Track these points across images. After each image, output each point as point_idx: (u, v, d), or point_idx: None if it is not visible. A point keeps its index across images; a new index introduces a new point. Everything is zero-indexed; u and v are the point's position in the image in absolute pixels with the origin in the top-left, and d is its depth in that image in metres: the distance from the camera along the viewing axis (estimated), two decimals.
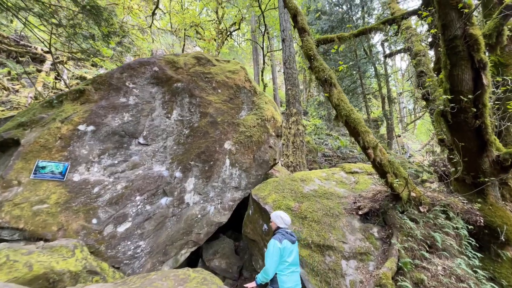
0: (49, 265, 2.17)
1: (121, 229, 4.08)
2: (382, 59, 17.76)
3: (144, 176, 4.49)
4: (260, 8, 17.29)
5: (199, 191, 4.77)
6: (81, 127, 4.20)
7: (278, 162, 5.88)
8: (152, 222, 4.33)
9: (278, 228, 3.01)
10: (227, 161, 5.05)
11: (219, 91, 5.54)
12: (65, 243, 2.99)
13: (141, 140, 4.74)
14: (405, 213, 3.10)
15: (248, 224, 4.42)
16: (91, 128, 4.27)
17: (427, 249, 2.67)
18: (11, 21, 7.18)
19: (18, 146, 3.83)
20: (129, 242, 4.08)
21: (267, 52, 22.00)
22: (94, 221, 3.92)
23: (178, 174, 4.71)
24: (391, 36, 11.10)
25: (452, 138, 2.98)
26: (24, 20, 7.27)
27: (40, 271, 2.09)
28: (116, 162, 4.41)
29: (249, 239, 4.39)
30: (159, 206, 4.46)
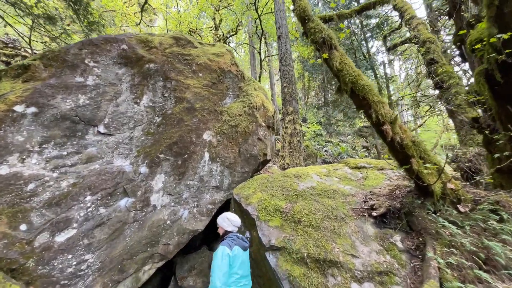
0: None
1: (61, 238, 3.14)
2: (383, 58, 17.23)
3: (100, 171, 3.59)
4: (257, 12, 16.96)
5: (170, 191, 3.86)
6: (18, 108, 3.35)
7: (270, 159, 4.99)
8: (106, 229, 3.39)
9: (226, 232, 2.61)
10: (206, 155, 4.17)
11: (200, 74, 4.74)
12: None
13: (101, 128, 3.89)
14: (438, 213, 2.20)
15: None
16: (32, 109, 3.43)
17: (483, 266, 1.76)
18: None
19: None
20: (70, 256, 3.12)
21: (265, 57, 21.57)
22: (23, 227, 2.98)
23: (143, 169, 3.82)
24: (393, 31, 10.49)
25: (500, 108, 2.13)
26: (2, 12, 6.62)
27: None
28: (65, 153, 3.53)
29: None
30: (116, 209, 3.53)
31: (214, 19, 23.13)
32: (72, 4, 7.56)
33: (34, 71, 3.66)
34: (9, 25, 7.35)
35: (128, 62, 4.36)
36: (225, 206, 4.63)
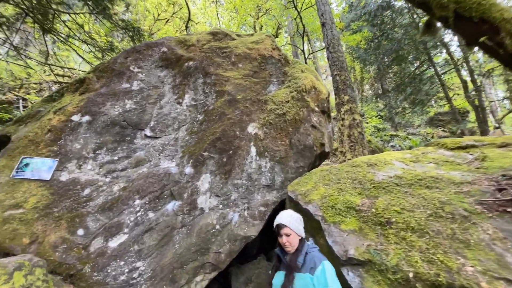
0: None
1: (113, 243, 3.04)
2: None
3: (148, 174, 3.47)
4: (296, 9, 16.32)
5: (217, 192, 3.46)
6: (75, 118, 3.53)
7: (328, 151, 4.16)
8: (155, 234, 3.18)
9: (303, 240, 1.99)
10: (253, 150, 3.66)
11: (240, 65, 4.36)
12: (6, 262, 2.02)
13: (147, 132, 3.84)
14: None
15: None
16: (86, 118, 3.57)
17: None
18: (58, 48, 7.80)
19: (9, 142, 3.33)
20: (122, 263, 2.98)
21: (309, 54, 20.52)
22: (80, 232, 2.99)
23: (188, 169, 3.55)
24: None
25: None
26: (74, 46, 7.82)
27: None
28: (116, 158, 3.56)
29: None
30: (164, 213, 3.31)
31: (254, 27, 23.49)
32: (130, 33, 8.43)
33: (89, 83, 3.87)
34: (86, 61, 8.66)
35: (168, 64, 4.30)
36: (280, 209, 4.00)
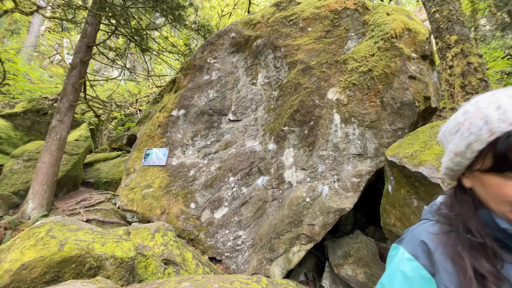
0: (87, 246, 1.73)
1: (218, 215, 3.50)
2: None
3: (236, 154, 3.77)
4: None
5: (302, 165, 3.39)
6: (174, 113, 4.17)
7: (436, 107, 3.31)
8: (250, 207, 3.45)
9: None
10: (336, 117, 3.33)
11: (309, 29, 3.99)
12: (148, 226, 2.66)
13: (230, 116, 4.14)
14: None
15: (390, 210, 2.44)
16: (182, 112, 4.17)
17: None
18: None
19: (136, 139, 4.31)
20: (227, 231, 3.40)
21: None
22: (192, 205, 3.59)
23: (271, 146, 3.61)
24: None
25: None
26: (164, 57, 9.29)
27: (72, 252, 1.66)
28: (209, 143, 4.02)
29: (397, 236, 2.40)
30: (255, 187, 3.53)
31: None
32: (202, 33, 9.25)
33: (179, 82, 4.47)
34: (174, 69, 10.18)
35: (239, 48, 4.42)
36: (378, 180, 3.55)
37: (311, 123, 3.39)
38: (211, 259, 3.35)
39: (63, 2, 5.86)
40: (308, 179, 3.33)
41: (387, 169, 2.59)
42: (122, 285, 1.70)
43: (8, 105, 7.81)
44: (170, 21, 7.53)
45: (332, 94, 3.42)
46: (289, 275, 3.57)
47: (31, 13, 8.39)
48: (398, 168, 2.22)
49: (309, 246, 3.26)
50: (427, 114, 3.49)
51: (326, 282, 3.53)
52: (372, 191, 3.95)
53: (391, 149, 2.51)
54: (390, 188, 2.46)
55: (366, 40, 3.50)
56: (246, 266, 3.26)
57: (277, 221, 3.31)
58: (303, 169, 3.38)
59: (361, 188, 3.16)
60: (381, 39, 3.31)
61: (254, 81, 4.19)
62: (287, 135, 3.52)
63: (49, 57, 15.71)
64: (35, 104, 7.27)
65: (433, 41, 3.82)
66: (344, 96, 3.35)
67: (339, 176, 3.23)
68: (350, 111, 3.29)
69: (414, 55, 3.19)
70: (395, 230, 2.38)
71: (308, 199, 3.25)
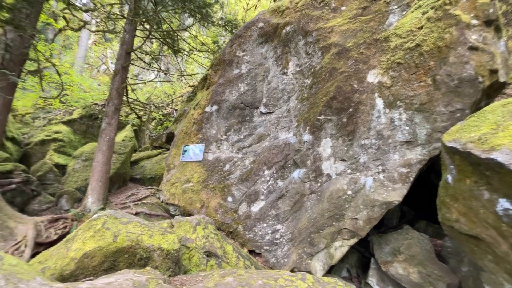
0: (137, 238, 1.84)
1: (255, 208, 3.50)
2: None
3: (270, 147, 3.70)
4: None
5: (342, 156, 3.17)
6: (207, 109, 4.25)
7: (504, 81, 2.77)
8: (287, 201, 3.37)
9: None
10: (379, 102, 3.03)
11: (343, 8, 3.66)
12: (190, 219, 2.76)
13: (262, 109, 4.07)
14: None
15: (451, 204, 2.12)
16: (215, 107, 4.23)
17: None
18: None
19: (174, 137, 4.52)
20: (265, 225, 3.38)
21: None
22: (229, 199, 3.64)
23: (306, 137, 3.45)
24: None
25: None
26: (195, 57, 9.60)
27: (124, 243, 1.78)
28: (242, 137, 4.02)
29: (459, 233, 2.07)
30: (291, 181, 3.43)
31: None
32: (229, 28, 9.29)
33: (210, 79, 4.54)
34: (204, 67, 10.46)
35: (267, 38, 4.29)
36: (430, 169, 3.17)
37: (350, 110, 3.14)
38: (250, 252, 3.38)
39: (104, 14, 6.37)
40: (349, 171, 3.11)
41: (444, 157, 2.25)
42: (170, 276, 1.79)
43: (68, 112, 8.89)
44: (198, 19, 7.68)
45: (372, 77, 3.10)
46: (330, 270, 3.43)
47: (79, 29, 9.30)
48: (462, 155, 1.91)
49: (353, 241, 3.07)
50: (493, 90, 2.95)
51: (372, 280, 3.30)
52: (422, 182, 3.55)
53: (450, 133, 2.17)
54: (450, 178, 2.14)
55: (412, 12, 3.08)
56: (285, 260, 3.21)
57: (316, 215, 3.18)
58: (343, 160, 3.16)
59: (411, 179, 2.84)
60: (431, 8, 2.87)
61: (285, 70, 4.04)
62: (323, 125, 3.32)
63: (96, 67, 17.45)
64: (88, 110, 8.15)
65: (498, 4, 3.21)
66: (387, 77, 3.02)
67: (385, 166, 2.94)
68: (395, 94, 2.94)
69: (474, 21, 2.69)
70: (458, 226, 2.07)
71: (349, 192, 3.04)
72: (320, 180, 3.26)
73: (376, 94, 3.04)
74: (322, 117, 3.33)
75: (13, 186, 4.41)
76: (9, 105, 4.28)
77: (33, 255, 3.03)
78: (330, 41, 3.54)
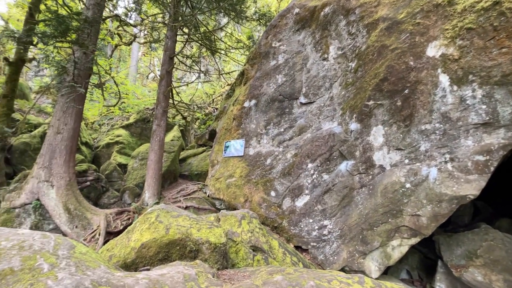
0: (186, 231, 1.91)
1: (299, 203, 3.37)
2: None
3: (312, 139, 3.51)
4: None
5: (397, 144, 2.80)
6: (246, 104, 4.25)
7: None
8: (334, 195, 3.15)
9: None
10: (443, 78, 2.56)
11: None
12: (235, 213, 2.80)
13: (302, 99, 3.88)
14: None
15: None
16: (253, 102, 4.20)
17: None
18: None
19: (216, 134, 4.66)
20: (311, 220, 3.23)
21: None
22: (272, 193, 3.59)
23: (353, 125, 3.15)
24: None
25: None
26: (231, 55, 9.79)
27: (175, 236, 1.87)
28: (282, 130, 3.91)
29: None
30: (338, 173, 3.19)
31: None
32: (263, 21, 9.17)
33: (247, 73, 4.52)
34: (241, 64, 10.60)
35: (304, 23, 4.05)
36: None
37: (406, 91, 2.73)
38: (297, 247, 3.28)
39: (149, 24, 6.92)
40: (407, 161, 2.73)
41: None
42: (218, 269, 1.83)
43: (125, 118, 10.04)
44: (232, 17, 7.74)
45: (434, 50, 2.63)
46: (386, 271, 3.11)
47: (131, 43, 10.29)
48: None
49: (414, 240, 2.70)
50: None
51: (441, 285, 2.88)
52: (502, 173, 2.92)
53: None
54: None
55: None
56: (335, 257, 3.02)
57: (368, 211, 2.89)
58: (399, 149, 2.79)
59: (491, 169, 2.34)
60: None
61: (325, 55, 3.75)
62: (373, 111, 2.98)
63: (146, 76, 19.31)
64: (142, 114, 9.06)
65: None
66: (453, 48, 2.52)
67: (454, 154, 2.49)
68: (466, 66, 2.44)
69: None
70: None
71: (408, 185, 2.67)
72: (371, 173, 2.94)
73: (440, 70, 2.57)
74: (371, 102, 2.99)
75: (88, 183, 5.17)
76: (80, 114, 4.99)
77: (104, 242, 3.49)
78: (377, 16, 3.13)
